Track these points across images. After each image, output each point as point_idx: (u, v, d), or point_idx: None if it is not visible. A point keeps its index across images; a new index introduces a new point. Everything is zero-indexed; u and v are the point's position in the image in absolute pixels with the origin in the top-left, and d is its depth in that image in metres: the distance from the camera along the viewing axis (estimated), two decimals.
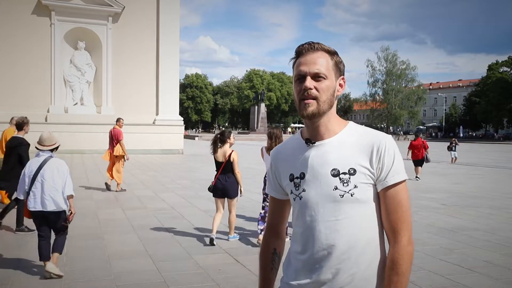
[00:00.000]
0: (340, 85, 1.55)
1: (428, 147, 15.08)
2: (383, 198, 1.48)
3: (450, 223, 7.62)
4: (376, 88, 70.82)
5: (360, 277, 1.45)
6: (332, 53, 1.53)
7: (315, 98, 1.47)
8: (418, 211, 8.52)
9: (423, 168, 14.84)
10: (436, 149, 30.13)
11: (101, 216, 7.88)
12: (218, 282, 4.57)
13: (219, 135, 6.25)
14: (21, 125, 6.77)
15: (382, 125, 70.43)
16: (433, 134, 74.50)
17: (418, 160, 14.49)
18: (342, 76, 1.55)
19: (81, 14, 24.76)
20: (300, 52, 1.52)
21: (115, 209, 8.57)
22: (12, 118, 7.96)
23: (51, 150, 4.86)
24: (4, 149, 7.02)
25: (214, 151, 6.14)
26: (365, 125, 1.61)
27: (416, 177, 14.11)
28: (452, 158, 21.18)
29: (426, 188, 12.04)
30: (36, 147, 4.90)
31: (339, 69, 1.54)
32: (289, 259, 1.59)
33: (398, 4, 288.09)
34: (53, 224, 4.77)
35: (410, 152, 14.81)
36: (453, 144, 21.23)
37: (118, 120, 11.34)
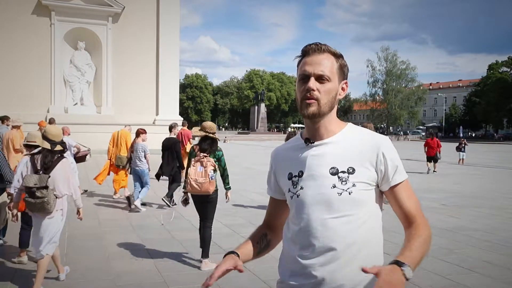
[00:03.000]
0: (343, 88, 1.56)
1: (441, 146, 17.18)
2: (395, 194, 1.53)
3: (450, 223, 7.62)
4: (376, 88, 70.91)
5: (357, 275, 1.44)
6: (338, 56, 1.54)
7: (316, 100, 1.48)
8: None
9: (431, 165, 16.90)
10: None
11: (101, 216, 7.88)
12: (218, 282, 4.53)
13: (292, 135, 8.05)
14: (171, 128, 9.51)
15: (382, 125, 70.44)
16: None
17: (432, 156, 16.75)
18: (345, 80, 1.56)
19: (81, 14, 24.77)
20: (307, 52, 1.53)
21: (115, 209, 8.57)
22: (126, 126, 10.49)
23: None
24: (116, 145, 9.65)
25: None
26: (364, 126, 1.62)
27: (434, 171, 16.56)
28: (460, 159, 20.91)
29: (426, 188, 12.04)
30: (29, 144, 4.93)
31: (343, 72, 1.55)
32: (284, 259, 1.59)
33: (399, 4, 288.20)
34: None
35: (426, 148, 17.09)
36: (463, 145, 20.96)
37: (184, 123, 13.22)
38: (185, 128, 12.73)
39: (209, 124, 5.32)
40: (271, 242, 1.72)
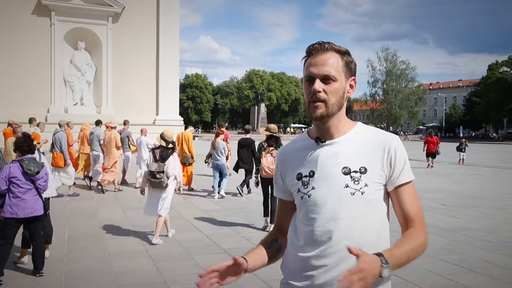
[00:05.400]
0: (351, 85, 1.52)
1: (439, 142, 19.32)
2: (398, 195, 1.50)
3: (450, 223, 7.63)
4: (376, 88, 70.75)
5: None
6: (343, 53, 1.50)
7: (323, 101, 1.46)
8: None
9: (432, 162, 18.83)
10: None
11: (101, 216, 7.88)
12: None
13: None
14: (248, 130, 11.38)
15: (382, 125, 70.36)
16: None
17: (432, 152, 18.78)
18: (353, 77, 1.52)
19: (81, 14, 24.78)
20: (310, 52, 1.50)
21: (115, 209, 8.57)
22: (189, 127, 11.99)
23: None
24: (182, 145, 10.81)
25: None
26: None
27: (432, 166, 18.35)
28: (460, 159, 20.90)
29: (426, 188, 12.03)
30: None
31: (350, 69, 1.51)
32: (290, 259, 1.57)
33: (399, 4, 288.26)
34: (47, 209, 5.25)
35: (426, 146, 19.12)
36: (463, 145, 20.98)
37: (222, 124, 13.80)
38: (224, 129, 13.01)
39: (272, 126, 7.27)
40: (283, 246, 1.68)
